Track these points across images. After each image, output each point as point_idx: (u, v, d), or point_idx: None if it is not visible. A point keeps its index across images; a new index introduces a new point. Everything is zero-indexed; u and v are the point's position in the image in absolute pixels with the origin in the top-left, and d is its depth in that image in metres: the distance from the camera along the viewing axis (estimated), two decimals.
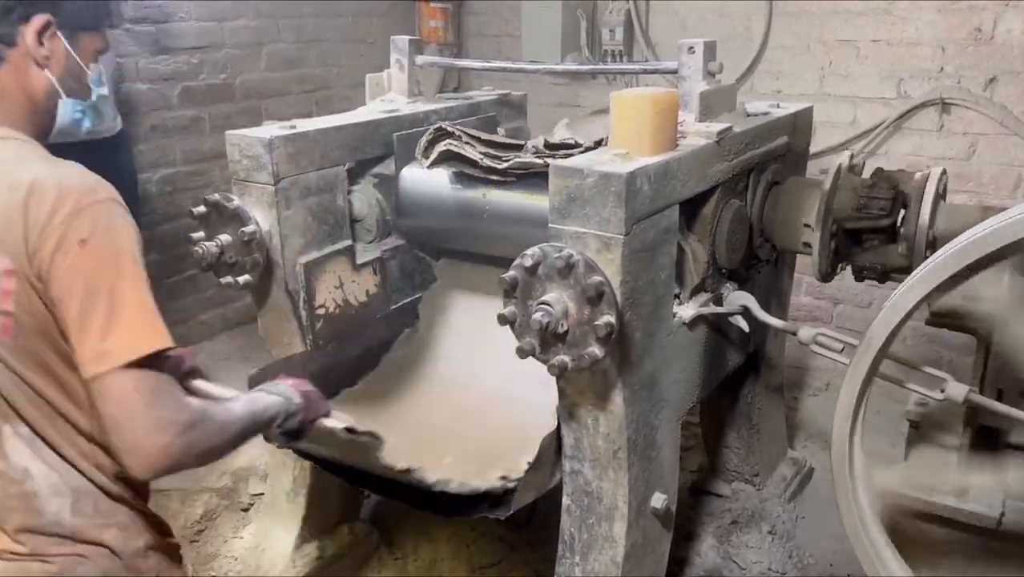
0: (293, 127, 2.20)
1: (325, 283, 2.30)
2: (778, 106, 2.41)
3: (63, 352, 1.25)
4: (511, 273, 1.65)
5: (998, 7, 3.33)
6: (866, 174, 2.20)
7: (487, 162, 2.20)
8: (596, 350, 1.61)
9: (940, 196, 2.05)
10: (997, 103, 3.39)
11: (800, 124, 2.47)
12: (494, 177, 2.21)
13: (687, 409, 2.16)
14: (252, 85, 4.27)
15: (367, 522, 2.74)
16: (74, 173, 1.27)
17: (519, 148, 2.22)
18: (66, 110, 1.40)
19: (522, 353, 1.67)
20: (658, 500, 1.98)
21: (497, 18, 4.80)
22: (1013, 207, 1.52)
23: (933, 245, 1.99)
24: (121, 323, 1.20)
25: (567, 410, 1.88)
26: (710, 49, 2.07)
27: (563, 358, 1.64)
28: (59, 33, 1.35)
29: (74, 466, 1.32)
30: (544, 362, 1.66)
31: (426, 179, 2.42)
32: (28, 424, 1.29)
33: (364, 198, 2.44)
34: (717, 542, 2.68)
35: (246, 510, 2.90)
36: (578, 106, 4.45)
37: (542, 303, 1.61)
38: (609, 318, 1.59)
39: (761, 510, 2.78)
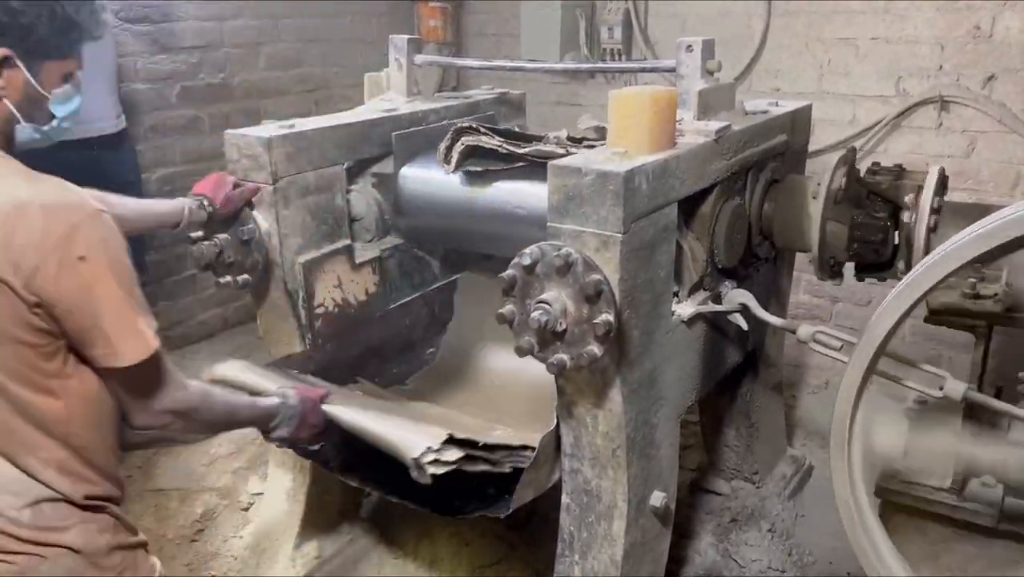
0: (292, 126, 2.21)
1: (324, 282, 2.30)
2: (777, 104, 2.41)
3: (37, 365, 1.34)
4: (509, 272, 1.65)
5: (996, 5, 3.33)
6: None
7: (508, 147, 2.19)
8: (595, 348, 1.61)
9: (939, 194, 2.06)
10: (996, 101, 3.39)
11: (799, 122, 2.47)
12: (518, 164, 2.19)
13: (686, 407, 2.16)
14: (251, 85, 4.26)
15: (367, 521, 2.74)
16: (56, 191, 1.35)
17: (539, 139, 2.21)
18: (22, 135, 1.47)
19: (521, 352, 1.67)
20: (657, 498, 1.99)
21: (496, 17, 4.79)
22: (1012, 204, 1.52)
23: (931, 243, 1.99)
24: (128, 327, 1.37)
25: (566, 408, 1.88)
26: (708, 48, 2.07)
27: (562, 356, 1.64)
28: (19, 64, 1.40)
29: (35, 477, 1.38)
30: (543, 360, 1.67)
31: (425, 178, 2.42)
32: (7, 426, 1.36)
33: (363, 197, 2.45)
34: (716, 540, 2.68)
35: (246, 510, 2.90)
36: (577, 105, 4.45)
37: (540, 302, 1.61)
38: (607, 316, 1.59)
39: (760, 508, 2.78)
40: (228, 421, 1.72)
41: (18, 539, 1.35)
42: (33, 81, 1.42)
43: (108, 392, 1.44)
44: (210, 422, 1.64)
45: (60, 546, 1.38)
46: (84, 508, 1.43)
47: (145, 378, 1.42)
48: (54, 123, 1.49)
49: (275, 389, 1.87)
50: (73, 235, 1.30)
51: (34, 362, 1.34)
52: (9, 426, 1.36)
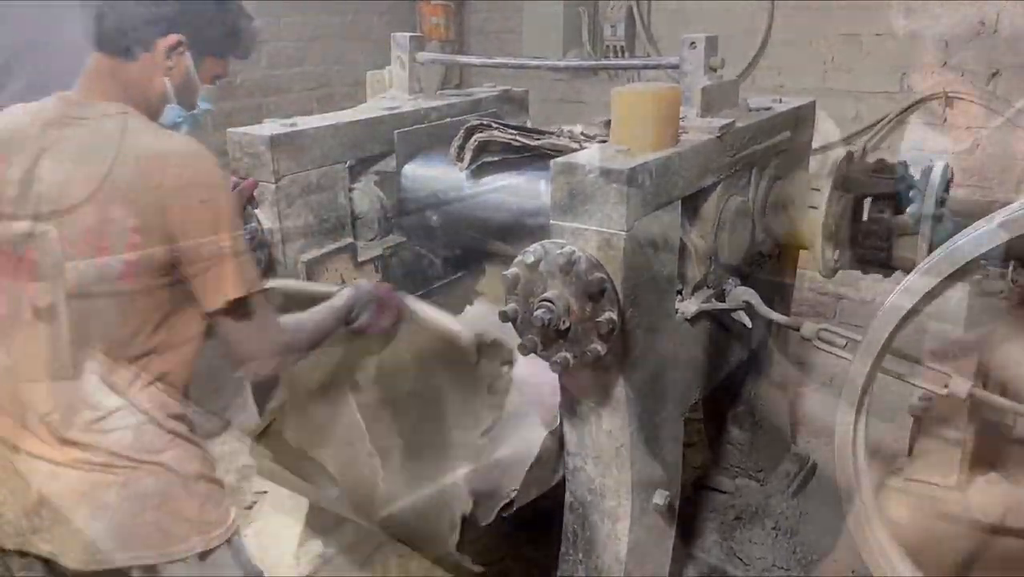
0: (294, 125, 2.20)
1: (327, 281, 2.30)
2: (780, 101, 2.40)
3: (163, 305, 1.50)
4: (512, 270, 1.65)
5: (1001, 1, 3.31)
6: None
7: (521, 139, 2.18)
8: (598, 347, 1.61)
9: (944, 190, 2.05)
10: (1001, 96, 3.38)
11: (802, 119, 2.46)
12: (527, 155, 2.17)
13: (689, 405, 2.16)
14: (254, 83, 4.26)
15: None
16: (184, 143, 1.54)
17: (552, 134, 2.19)
18: (169, 113, 1.64)
19: (524, 350, 1.66)
20: (661, 497, 1.98)
21: (499, 15, 4.79)
22: (1018, 200, 1.51)
23: (937, 240, 1.98)
24: (235, 267, 1.49)
25: (569, 407, 1.88)
26: (712, 44, 2.06)
27: (565, 355, 1.63)
28: (188, 52, 1.59)
29: (136, 405, 1.53)
30: (546, 359, 1.66)
31: (428, 176, 2.41)
32: (115, 359, 1.50)
33: (365, 195, 2.44)
34: (720, 538, 2.68)
35: (249, 508, 2.90)
36: (580, 102, 4.45)
37: (544, 300, 1.61)
38: (611, 315, 1.59)
39: (764, 506, 2.77)
40: (318, 337, 1.74)
41: (123, 456, 1.49)
42: (193, 70, 1.61)
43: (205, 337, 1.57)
44: (306, 347, 1.70)
45: (159, 464, 1.52)
46: (177, 436, 1.56)
47: (247, 318, 1.52)
48: (195, 111, 1.69)
49: (337, 286, 1.89)
50: (196, 179, 1.48)
51: (163, 301, 1.50)
52: (138, 354, 1.51)
